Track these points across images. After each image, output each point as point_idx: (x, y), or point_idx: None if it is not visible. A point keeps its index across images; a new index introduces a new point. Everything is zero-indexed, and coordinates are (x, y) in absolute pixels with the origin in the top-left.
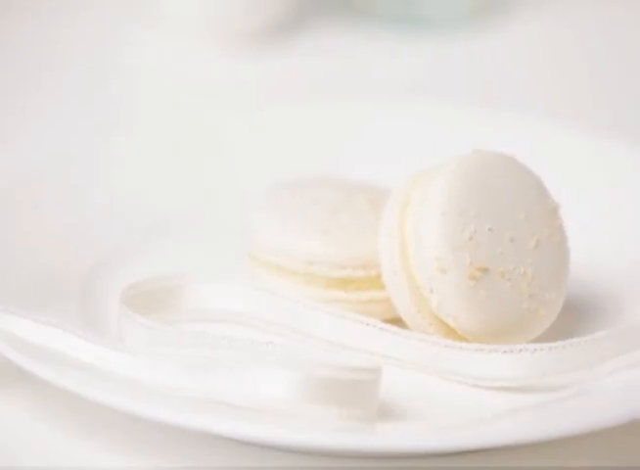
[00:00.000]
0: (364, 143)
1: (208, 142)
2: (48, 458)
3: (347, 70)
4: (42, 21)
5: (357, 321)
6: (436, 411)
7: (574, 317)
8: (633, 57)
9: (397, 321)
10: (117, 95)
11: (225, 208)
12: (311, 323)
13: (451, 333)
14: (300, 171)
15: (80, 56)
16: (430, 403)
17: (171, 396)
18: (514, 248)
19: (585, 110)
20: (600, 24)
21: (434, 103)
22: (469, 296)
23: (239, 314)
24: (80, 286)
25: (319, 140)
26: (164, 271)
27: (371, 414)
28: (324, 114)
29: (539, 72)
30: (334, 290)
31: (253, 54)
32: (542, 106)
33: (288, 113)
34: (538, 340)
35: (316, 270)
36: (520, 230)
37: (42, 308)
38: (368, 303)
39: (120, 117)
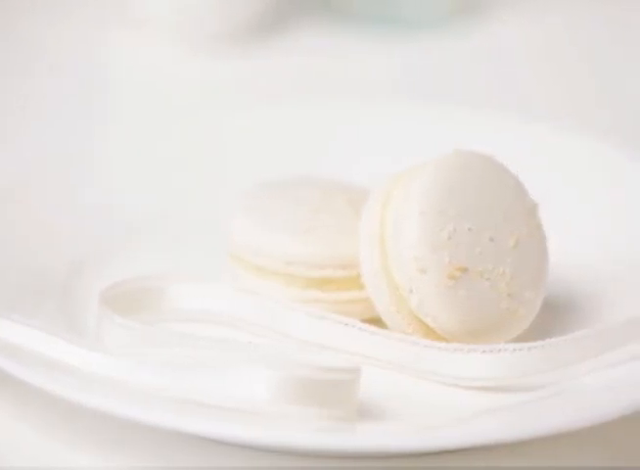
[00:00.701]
0: (343, 143)
1: (190, 142)
2: (26, 459)
3: (326, 70)
4: (26, 21)
5: (337, 321)
6: (416, 411)
7: (553, 317)
8: (612, 55)
9: (377, 321)
10: (99, 97)
11: (206, 208)
12: (291, 323)
13: (430, 333)
14: (280, 171)
15: (62, 58)
16: (409, 403)
17: (151, 396)
18: (493, 247)
19: (565, 108)
20: (580, 24)
21: (413, 103)
22: (448, 296)
23: (219, 314)
24: (60, 286)
25: (298, 140)
26: (145, 271)
27: (351, 414)
28: (303, 114)
29: (519, 72)
30: (313, 290)
31: (233, 55)
32: (522, 105)
33: (267, 113)
34: (517, 340)
35: (296, 270)
36: (499, 230)
37: (22, 309)
38: (347, 302)
39: (103, 118)
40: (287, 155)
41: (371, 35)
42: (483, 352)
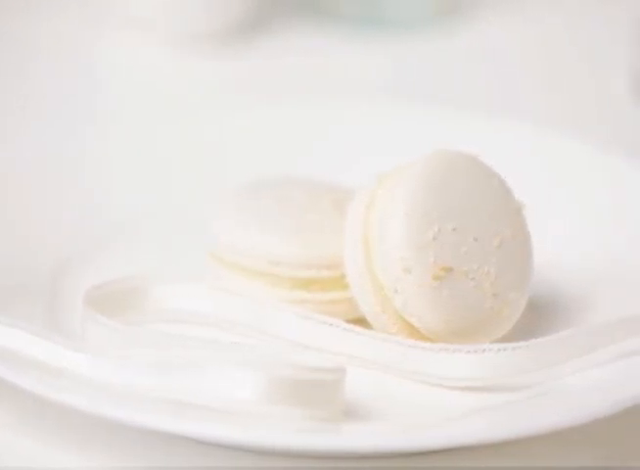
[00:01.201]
0: (328, 143)
1: (175, 142)
2: (12, 458)
3: (313, 71)
4: (10, 20)
5: (321, 322)
6: (401, 411)
7: (538, 317)
8: (595, 56)
9: (361, 321)
10: (85, 96)
11: (190, 208)
12: (275, 323)
13: (415, 333)
14: (265, 171)
15: (49, 57)
16: (394, 403)
17: (135, 396)
18: (477, 247)
19: (550, 108)
20: (565, 23)
21: (398, 103)
22: (433, 296)
23: (203, 315)
24: (43, 287)
25: (283, 140)
26: (128, 272)
27: (336, 414)
28: (289, 114)
29: (503, 72)
30: (298, 290)
31: (220, 55)
32: (506, 105)
33: (252, 113)
34: (502, 340)
35: (280, 271)
36: (483, 230)
37: (5, 309)
38: (332, 303)
39: (88, 117)
40: (271, 155)
41: (357, 36)
42: (468, 352)
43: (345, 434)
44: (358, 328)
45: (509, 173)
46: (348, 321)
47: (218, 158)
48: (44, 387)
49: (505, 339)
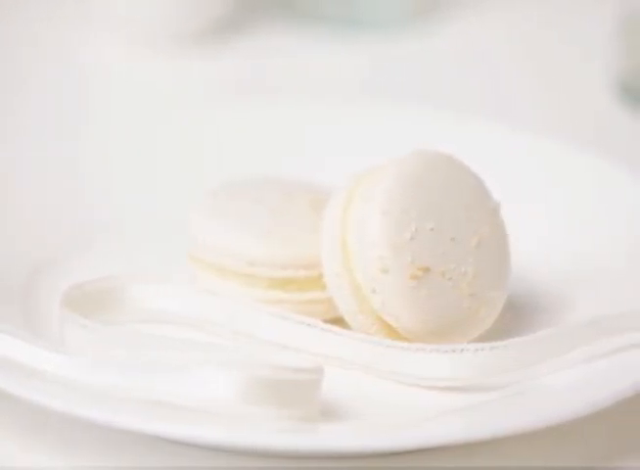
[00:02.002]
0: (305, 143)
1: (152, 143)
2: None
3: (289, 71)
4: None
5: (299, 322)
6: (378, 411)
7: (515, 317)
8: (576, 56)
9: (339, 321)
10: (61, 97)
11: (167, 208)
12: (253, 324)
13: (393, 333)
14: (242, 172)
15: (25, 59)
16: (371, 403)
17: (113, 397)
18: (455, 247)
19: (528, 109)
20: (543, 24)
21: (375, 103)
22: (411, 295)
23: (181, 315)
24: (22, 287)
25: (260, 141)
26: (106, 272)
27: (313, 414)
28: (265, 114)
29: (480, 73)
30: (275, 290)
31: (196, 55)
32: (485, 105)
33: (229, 114)
34: (480, 339)
35: (257, 271)
36: (461, 230)
37: None
38: (309, 303)
39: (64, 119)
40: (249, 155)
41: (335, 36)
42: (446, 351)
43: (323, 434)
44: (336, 328)
45: (486, 173)
46: (326, 321)
47: (198, 158)
48: (20, 387)
49: (483, 339)
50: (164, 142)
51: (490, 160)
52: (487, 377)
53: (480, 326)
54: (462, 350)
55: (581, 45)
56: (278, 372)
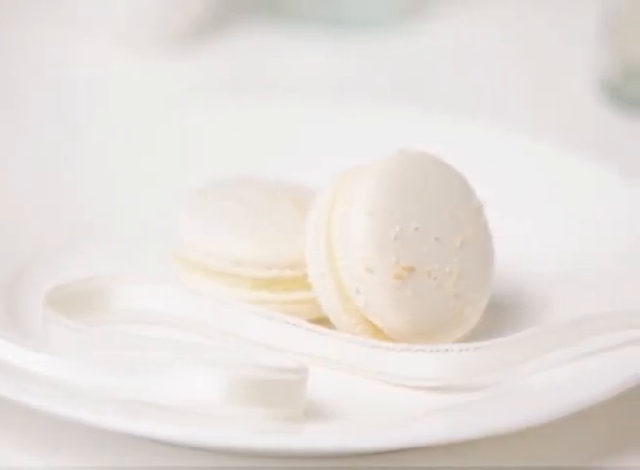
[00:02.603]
0: (290, 143)
1: (134, 143)
2: None
3: (273, 71)
4: None
5: (284, 322)
6: (363, 411)
7: (500, 317)
8: (560, 55)
9: (324, 321)
10: (43, 98)
11: (152, 209)
12: (238, 324)
13: (378, 333)
14: (227, 172)
15: (7, 61)
16: (357, 403)
17: (98, 397)
18: (440, 247)
19: (513, 109)
20: (529, 23)
21: (360, 103)
22: (395, 296)
23: (165, 315)
24: (6, 287)
25: (245, 141)
26: (91, 272)
27: (298, 415)
28: (250, 114)
29: (466, 72)
30: (260, 290)
31: (179, 55)
32: (469, 105)
33: (214, 114)
34: (464, 339)
35: (242, 271)
36: (445, 229)
37: None
38: (294, 303)
39: (47, 119)
40: (234, 155)
41: (320, 36)
42: (431, 351)
43: (308, 434)
44: (321, 328)
45: (470, 173)
46: (311, 321)
47: (184, 158)
48: (5, 388)
49: (467, 339)
50: (150, 142)
51: (475, 159)
52: (472, 377)
53: (464, 326)
54: (446, 350)
55: (568, 45)
56: (263, 372)
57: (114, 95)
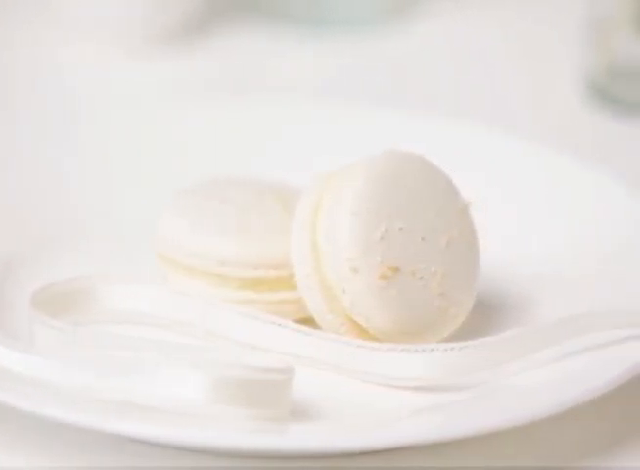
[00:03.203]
0: (275, 143)
1: (119, 143)
2: None
3: (257, 71)
4: None
5: (270, 322)
6: (349, 411)
7: (485, 317)
8: (546, 55)
9: (310, 321)
10: (28, 97)
11: (137, 208)
12: (223, 324)
13: (363, 333)
14: (211, 172)
15: None
16: (342, 403)
17: (82, 397)
18: (425, 247)
19: (498, 109)
20: (514, 23)
21: (343, 103)
22: (380, 295)
23: (150, 315)
24: None
25: (230, 140)
26: (76, 272)
27: (283, 415)
28: (235, 114)
29: (452, 72)
30: (246, 290)
31: (164, 55)
32: (454, 105)
33: (198, 113)
34: (449, 339)
35: (228, 271)
36: (431, 229)
37: None
38: (280, 303)
39: (31, 118)
40: (219, 155)
41: (304, 36)
42: (416, 351)
43: (293, 434)
44: (307, 328)
45: (455, 173)
46: (297, 321)
47: (169, 158)
48: None
49: (453, 338)
50: (134, 141)
51: (460, 160)
52: (457, 377)
53: (449, 326)
54: (432, 349)
55: (554, 45)
56: (248, 372)
57: (99, 96)
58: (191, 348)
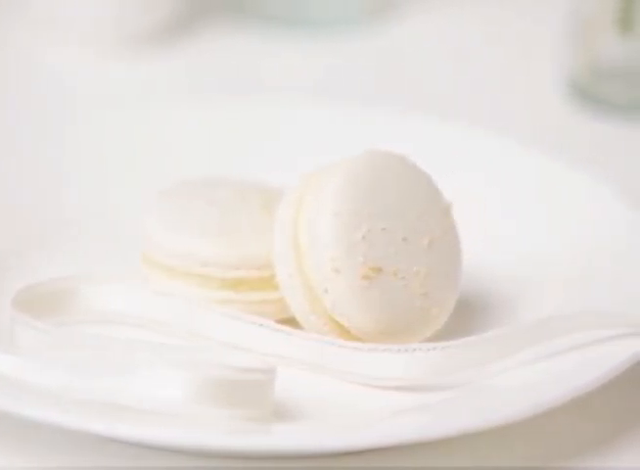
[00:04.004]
0: (257, 143)
1: (104, 143)
2: None
3: (240, 71)
4: None
5: (251, 322)
6: (332, 411)
7: (467, 317)
8: (527, 54)
9: (292, 321)
10: (11, 98)
11: (120, 209)
12: (205, 324)
13: (345, 333)
14: (194, 172)
15: None
16: (324, 404)
17: (63, 398)
18: (407, 247)
19: (480, 108)
20: (495, 22)
21: (325, 103)
22: (362, 295)
23: (133, 316)
24: None
25: (212, 141)
26: (59, 273)
27: (266, 415)
28: (217, 115)
29: (433, 71)
30: (227, 290)
31: (145, 56)
32: (437, 104)
33: (181, 114)
34: (432, 339)
35: (209, 271)
36: (413, 230)
37: None
38: (262, 303)
39: (18, 118)
40: (201, 155)
41: (286, 36)
42: (398, 351)
43: (275, 434)
44: (288, 328)
45: (437, 173)
46: (279, 321)
47: (151, 158)
48: None
49: (435, 338)
50: (117, 142)
51: (442, 159)
52: (440, 377)
53: (431, 326)
54: (414, 349)
55: (536, 45)
56: (230, 372)
57: (80, 96)
58: (173, 348)
